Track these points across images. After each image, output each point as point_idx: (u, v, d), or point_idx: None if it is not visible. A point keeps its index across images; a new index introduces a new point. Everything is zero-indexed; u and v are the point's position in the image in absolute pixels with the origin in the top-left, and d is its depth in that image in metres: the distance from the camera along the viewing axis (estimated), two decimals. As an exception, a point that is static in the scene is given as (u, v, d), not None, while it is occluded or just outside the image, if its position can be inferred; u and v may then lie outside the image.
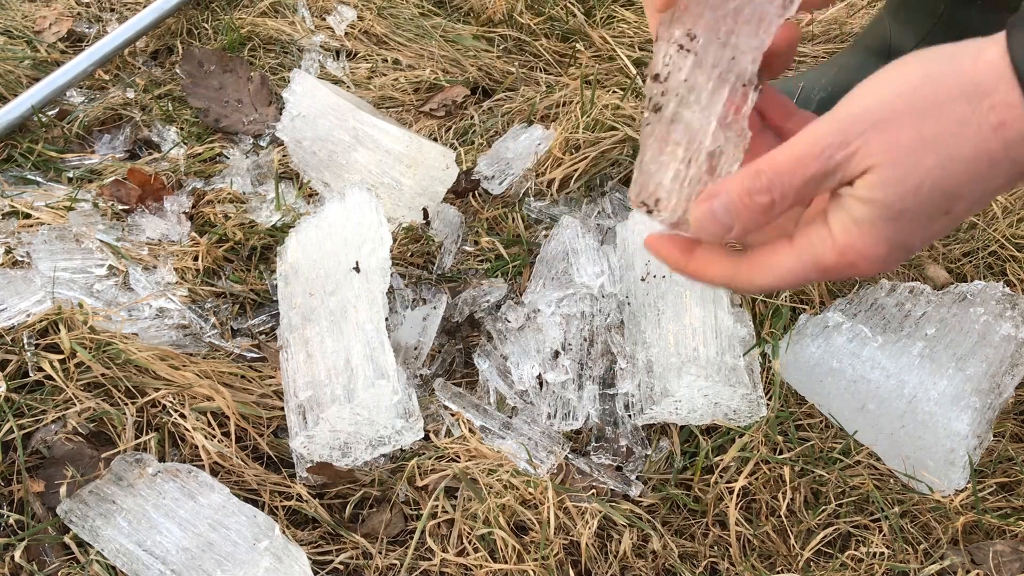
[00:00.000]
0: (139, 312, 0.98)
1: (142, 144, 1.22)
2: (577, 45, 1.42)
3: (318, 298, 0.92)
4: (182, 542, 0.76)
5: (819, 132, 0.46)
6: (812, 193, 0.47)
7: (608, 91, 1.29)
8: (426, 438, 0.90)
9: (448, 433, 0.91)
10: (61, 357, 0.87)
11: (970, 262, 1.11)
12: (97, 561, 0.76)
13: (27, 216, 1.05)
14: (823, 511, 0.85)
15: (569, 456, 0.89)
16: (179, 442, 0.87)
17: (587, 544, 0.82)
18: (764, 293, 0.53)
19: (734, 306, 0.98)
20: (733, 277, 0.52)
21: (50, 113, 1.22)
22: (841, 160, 0.45)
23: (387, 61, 1.39)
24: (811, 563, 0.83)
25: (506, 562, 0.80)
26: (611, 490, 0.88)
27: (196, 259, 1.04)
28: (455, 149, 1.23)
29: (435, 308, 1.00)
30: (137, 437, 0.85)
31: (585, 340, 0.95)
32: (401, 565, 0.81)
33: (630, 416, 0.91)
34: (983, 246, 1.12)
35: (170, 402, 0.86)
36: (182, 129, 1.24)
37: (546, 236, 1.08)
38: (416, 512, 0.85)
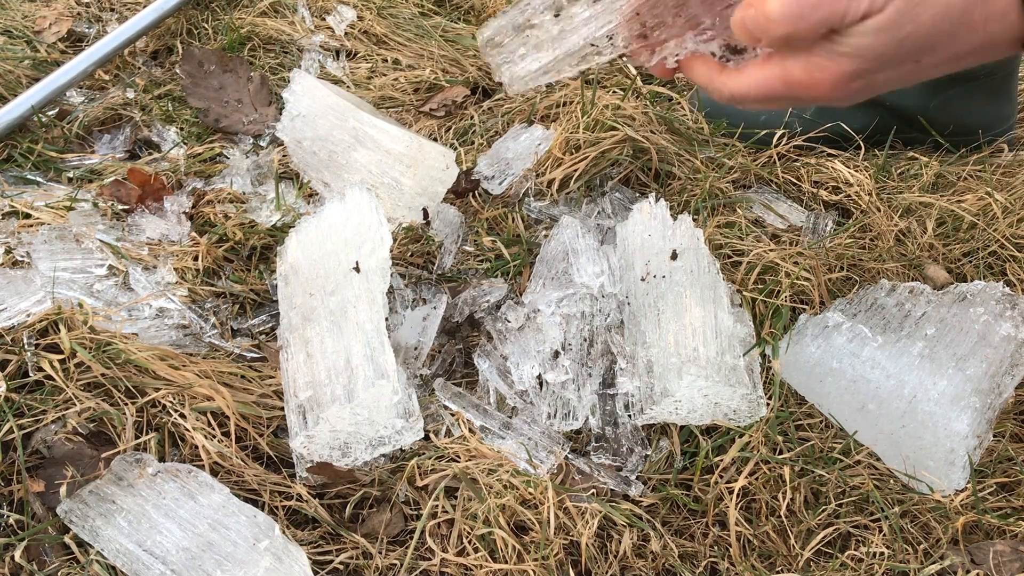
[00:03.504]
0: (139, 312, 0.98)
1: (142, 144, 1.22)
2: (577, 45, 1.41)
3: (318, 298, 0.92)
4: (182, 542, 0.76)
5: None
6: (829, 28, 0.51)
7: (608, 91, 1.29)
8: (426, 438, 0.90)
9: (448, 433, 0.91)
10: (61, 357, 0.87)
11: (970, 262, 1.11)
12: (97, 561, 0.76)
13: (27, 216, 1.05)
14: (823, 511, 0.85)
15: (569, 456, 0.89)
16: (179, 442, 0.87)
17: (587, 544, 0.82)
18: (734, 100, 0.61)
19: (734, 306, 0.98)
20: (711, 80, 0.60)
21: (50, 113, 1.22)
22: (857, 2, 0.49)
23: (387, 61, 1.39)
24: (811, 563, 0.83)
25: (506, 562, 0.80)
26: (611, 490, 0.88)
27: (196, 259, 1.04)
28: (455, 149, 1.23)
29: (435, 308, 1.00)
30: (137, 437, 0.85)
31: (585, 340, 0.95)
32: (401, 565, 0.81)
33: (630, 416, 0.91)
34: (983, 246, 1.12)
35: (170, 402, 0.86)
36: (182, 129, 1.24)
37: (546, 236, 1.08)
38: (416, 512, 0.85)
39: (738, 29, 0.55)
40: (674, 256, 0.97)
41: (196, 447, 0.85)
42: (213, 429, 0.86)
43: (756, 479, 0.86)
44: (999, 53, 0.52)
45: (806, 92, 0.55)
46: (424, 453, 0.89)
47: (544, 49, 0.62)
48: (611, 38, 0.60)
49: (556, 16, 0.61)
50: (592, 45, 0.61)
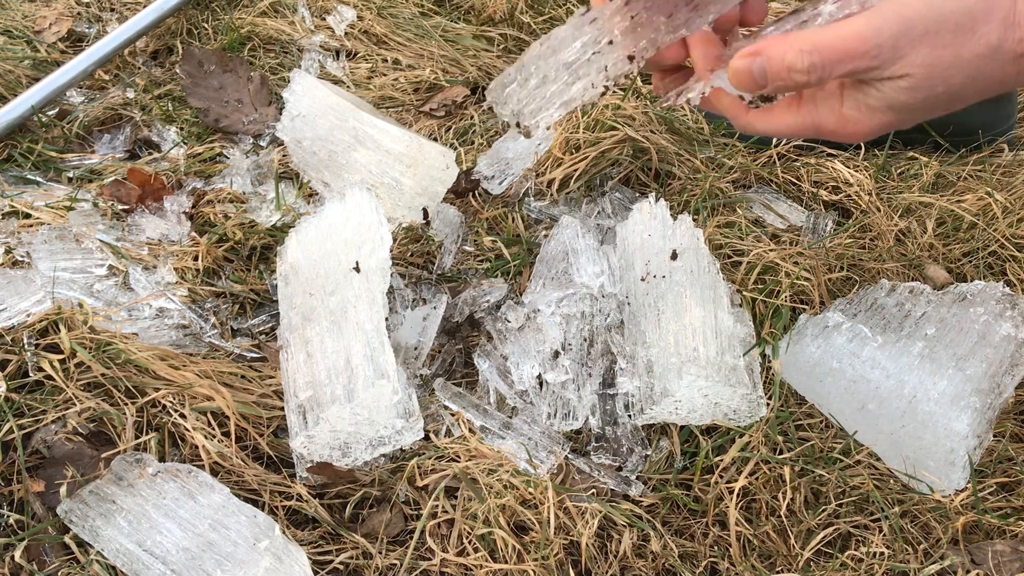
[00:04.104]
0: (139, 312, 0.98)
1: (142, 144, 1.22)
2: (577, 45, 1.42)
3: (318, 298, 0.92)
4: (182, 542, 0.76)
5: (870, 31, 0.49)
6: (846, 78, 0.52)
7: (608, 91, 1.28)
8: (426, 438, 0.90)
9: (448, 433, 0.91)
10: (61, 357, 0.87)
11: (970, 262, 1.11)
12: (97, 561, 0.76)
13: (27, 216, 1.05)
14: (823, 511, 0.85)
15: (569, 456, 0.89)
16: (179, 442, 0.87)
17: (587, 544, 0.82)
18: (759, 135, 0.60)
19: (734, 306, 0.98)
20: (736, 117, 0.59)
21: (50, 113, 1.22)
22: (886, 60, 0.49)
23: (387, 61, 1.39)
24: (811, 563, 0.83)
25: (506, 562, 0.80)
26: (611, 490, 0.88)
27: (196, 259, 1.04)
28: (455, 149, 1.23)
29: (435, 308, 1.00)
30: (137, 437, 0.85)
31: (585, 340, 0.95)
32: (401, 565, 0.81)
33: (630, 416, 0.91)
34: (983, 246, 1.12)
35: (170, 402, 0.86)
36: (182, 129, 1.24)
37: (546, 236, 1.08)
38: (416, 512, 0.85)
39: (742, 78, 0.54)
40: (674, 256, 0.97)
41: (196, 447, 0.85)
42: (213, 429, 0.86)
43: (756, 479, 0.86)
44: None
45: (838, 138, 0.56)
46: (424, 453, 0.89)
47: (549, 82, 0.61)
48: (611, 42, 0.60)
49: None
50: (594, 54, 0.60)
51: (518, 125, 0.62)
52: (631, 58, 0.60)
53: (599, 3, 0.60)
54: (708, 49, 0.60)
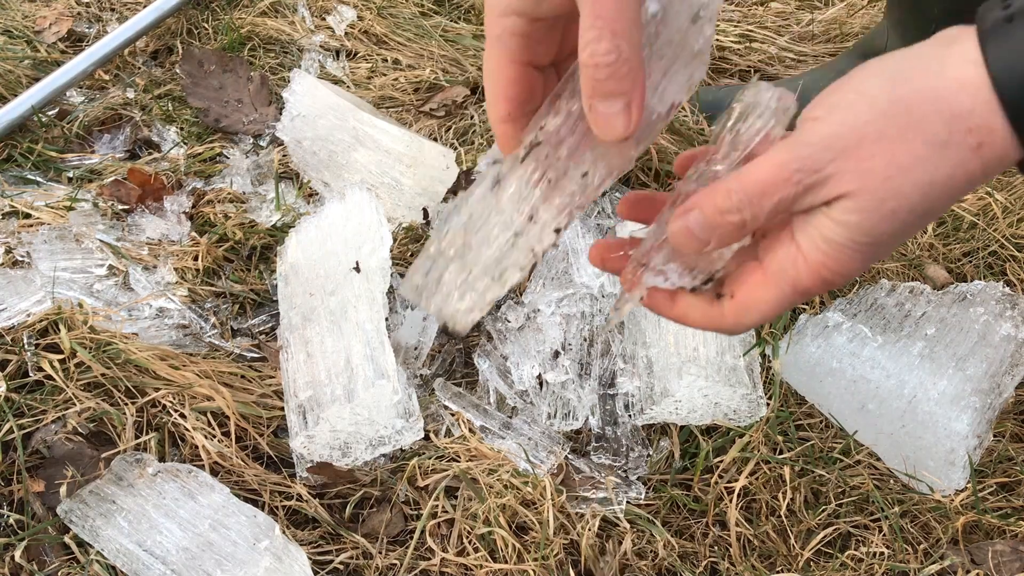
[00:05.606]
0: (139, 312, 0.98)
1: (142, 144, 1.22)
2: (577, 45, 1.42)
3: (318, 298, 0.92)
4: (182, 542, 0.76)
5: (787, 157, 0.44)
6: (783, 213, 0.46)
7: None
8: (426, 438, 0.90)
9: (448, 433, 0.91)
10: (61, 357, 0.87)
11: (970, 262, 1.11)
12: (97, 561, 0.76)
13: (27, 216, 1.05)
14: (823, 511, 0.85)
15: (569, 456, 0.89)
16: (179, 442, 0.87)
17: (587, 544, 0.82)
18: (749, 329, 0.53)
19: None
20: (720, 322, 0.51)
21: (50, 113, 1.22)
22: (812, 184, 0.44)
23: (387, 61, 1.39)
24: (811, 563, 0.83)
25: (506, 562, 0.80)
26: (611, 490, 0.88)
27: (196, 259, 1.04)
28: (455, 149, 1.23)
29: (435, 308, 0.99)
30: (137, 437, 0.85)
31: (585, 340, 0.95)
32: (401, 565, 0.81)
33: (630, 416, 0.91)
34: (983, 246, 1.12)
35: (170, 402, 0.86)
36: (182, 129, 1.24)
37: (546, 236, 1.08)
38: (416, 512, 0.85)
39: (684, 238, 0.48)
40: (674, 256, 0.97)
41: (196, 447, 0.85)
42: (213, 429, 0.86)
43: (756, 479, 0.86)
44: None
45: (823, 288, 0.48)
46: (424, 453, 0.89)
47: (471, 283, 0.53)
48: (532, 218, 0.51)
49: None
50: (516, 235, 0.52)
51: (446, 328, 0.55)
52: (557, 231, 0.51)
53: (507, 152, 0.53)
54: (608, 252, 0.55)
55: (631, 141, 0.47)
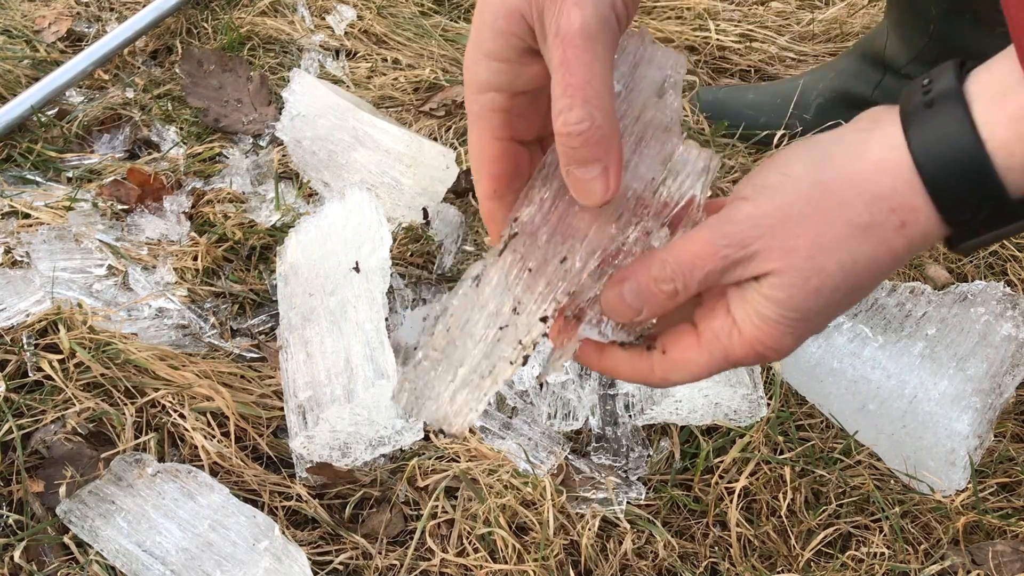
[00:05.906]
0: (139, 312, 0.98)
1: (142, 144, 1.22)
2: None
3: (318, 298, 0.92)
4: (182, 542, 0.76)
5: (716, 233, 0.46)
6: (714, 284, 0.47)
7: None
8: (426, 438, 0.90)
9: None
10: (60, 357, 0.87)
11: (970, 262, 1.11)
12: (97, 561, 0.76)
13: (27, 216, 1.05)
14: (824, 511, 0.85)
15: (569, 456, 0.89)
16: (179, 442, 0.87)
17: (587, 544, 0.81)
18: (676, 385, 0.54)
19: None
20: (648, 376, 0.52)
21: (50, 113, 1.22)
22: (740, 259, 0.45)
23: (387, 60, 1.39)
24: (811, 563, 0.83)
25: (506, 562, 0.80)
26: (611, 491, 0.88)
27: (196, 259, 1.04)
28: (455, 149, 1.23)
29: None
30: (137, 437, 0.85)
31: (585, 340, 0.95)
32: (401, 565, 0.81)
33: (630, 416, 0.91)
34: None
35: (170, 402, 0.86)
36: (182, 129, 1.24)
37: (546, 236, 1.08)
38: (416, 512, 0.85)
39: (617, 305, 0.48)
40: (674, 256, 0.96)
41: (196, 447, 0.85)
42: (213, 429, 0.86)
43: (757, 479, 0.86)
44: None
45: (753, 361, 0.49)
46: (424, 453, 0.89)
47: (462, 389, 0.51)
48: (516, 310, 0.50)
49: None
50: (501, 329, 0.50)
51: (442, 430, 0.53)
52: (544, 320, 0.50)
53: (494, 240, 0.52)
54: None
55: (610, 215, 0.48)
